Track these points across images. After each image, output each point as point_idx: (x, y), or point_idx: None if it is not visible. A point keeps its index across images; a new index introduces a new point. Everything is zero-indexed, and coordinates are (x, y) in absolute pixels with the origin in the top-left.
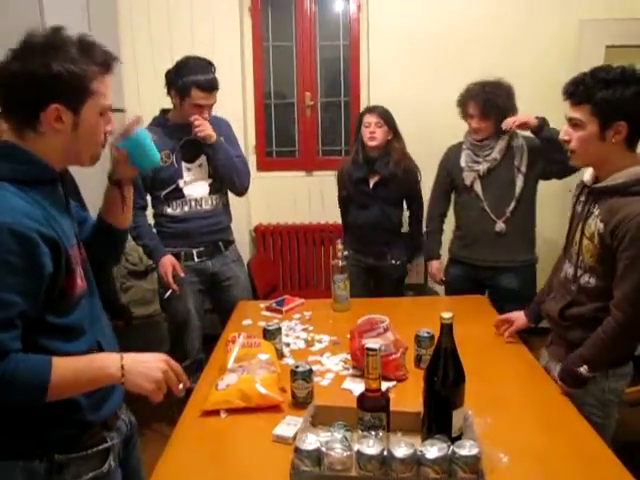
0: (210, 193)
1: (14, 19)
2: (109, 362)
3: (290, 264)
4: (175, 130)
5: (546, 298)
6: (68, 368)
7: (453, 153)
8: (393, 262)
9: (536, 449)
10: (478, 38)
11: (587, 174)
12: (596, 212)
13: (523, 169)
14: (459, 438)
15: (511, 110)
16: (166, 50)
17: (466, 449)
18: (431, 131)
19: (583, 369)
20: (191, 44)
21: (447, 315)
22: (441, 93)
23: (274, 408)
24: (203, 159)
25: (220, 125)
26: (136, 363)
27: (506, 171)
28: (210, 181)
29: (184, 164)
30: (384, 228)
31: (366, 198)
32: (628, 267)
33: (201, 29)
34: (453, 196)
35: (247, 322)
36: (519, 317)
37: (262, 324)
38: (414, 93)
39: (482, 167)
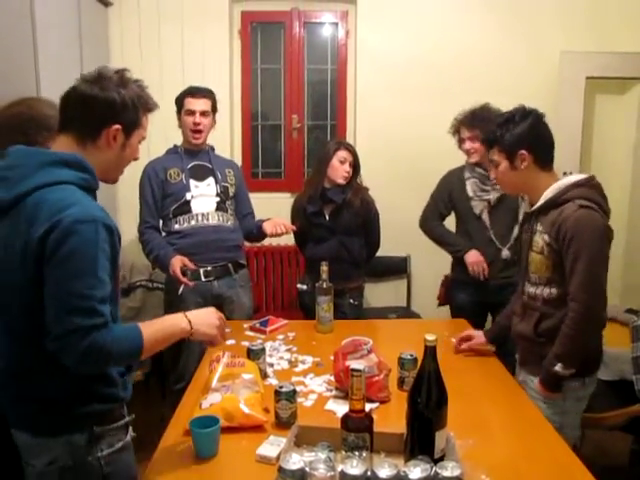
0: (217, 210)
1: (7, 47)
2: (178, 320)
3: (274, 285)
4: (185, 154)
5: (513, 322)
6: (151, 330)
7: (456, 179)
8: (351, 301)
9: (517, 470)
10: (462, 66)
11: (527, 205)
12: (540, 228)
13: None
14: (441, 459)
15: None
16: (156, 71)
17: (449, 470)
18: (415, 156)
19: (558, 367)
20: (181, 65)
21: (431, 337)
22: (425, 119)
23: (257, 428)
24: (211, 180)
25: (234, 169)
26: (197, 317)
27: (512, 198)
28: (217, 199)
29: (192, 181)
30: (344, 260)
31: (323, 231)
32: (574, 261)
33: (191, 51)
34: (456, 222)
35: (230, 342)
36: (479, 336)
37: (246, 344)
38: (399, 118)
39: (492, 196)
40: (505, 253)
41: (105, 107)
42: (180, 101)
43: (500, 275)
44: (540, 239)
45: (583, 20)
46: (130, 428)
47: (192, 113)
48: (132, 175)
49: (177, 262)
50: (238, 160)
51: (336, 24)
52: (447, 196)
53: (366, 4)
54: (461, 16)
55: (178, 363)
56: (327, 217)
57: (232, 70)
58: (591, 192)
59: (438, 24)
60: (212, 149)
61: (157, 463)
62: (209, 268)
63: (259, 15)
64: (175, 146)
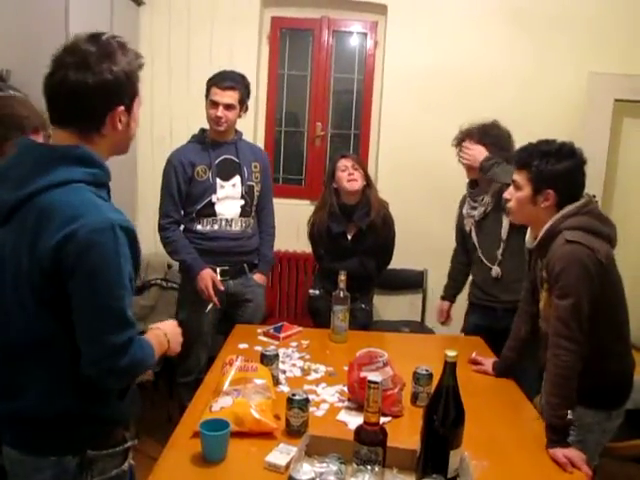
0: (241, 215)
1: (40, 37)
2: (163, 337)
3: (288, 291)
4: (212, 147)
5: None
6: (155, 346)
7: (462, 202)
8: (363, 306)
9: None
10: (490, 84)
11: (528, 241)
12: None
13: None
14: (454, 479)
15: (507, 147)
16: (183, 71)
17: None
18: (437, 170)
19: (569, 413)
20: (209, 66)
21: (452, 353)
22: (449, 135)
23: (267, 435)
24: (237, 179)
25: (260, 161)
26: (172, 335)
27: (496, 213)
28: (242, 202)
29: (218, 180)
30: (359, 277)
31: (344, 251)
32: (560, 295)
33: (219, 53)
34: None
35: (243, 346)
36: (488, 365)
37: (258, 349)
38: (423, 132)
39: (477, 212)
40: (495, 271)
41: (103, 93)
42: (207, 87)
43: (502, 298)
44: (544, 276)
45: (613, 42)
46: (130, 455)
47: (215, 105)
48: (151, 171)
49: (209, 279)
50: None
51: (365, 34)
52: (458, 222)
53: (396, 16)
54: (491, 35)
55: (187, 357)
56: (349, 238)
57: (259, 75)
58: (583, 219)
59: (467, 40)
60: (240, 138)
61: (164, 464)
62: (226, 268)
63: (289, 21)
64: (202, 131)
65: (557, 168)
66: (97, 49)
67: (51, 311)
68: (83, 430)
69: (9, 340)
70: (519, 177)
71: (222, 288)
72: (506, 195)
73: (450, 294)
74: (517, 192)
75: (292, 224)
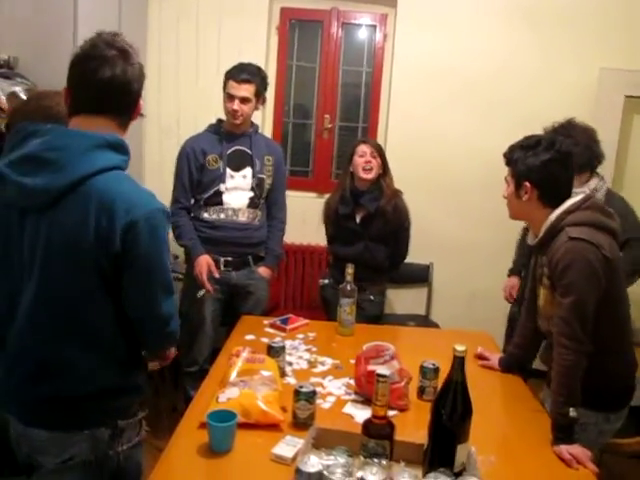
0: (248, 206)
1: (49, 25)
2: None
3: (294, 284)
4: (226, 138)
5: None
6: None
7: None
8: (371, 298)
9: None
10: (499, 80)
11: (529, 238)
12: (545, 262)
13: None
14: (460, 474)
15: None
16: (191, 62)
17: None
18: (444, 164)
19: (571, 411)
20: (217, 57)
21: (461, 348)
22: (457, 129)
23: (273, 427)
24: (248, 171)
25: (274, 156)
26: None
27: None
28: (251, 194)
29: (229, 170)
30: (366, 265)
31: (352, 234)
32: (562, 293)
33: (228, 43)
34: None
35: (250, 337)
36: (494, 360)
37: (265, 340)
38: (431, 126)
39: None
40: None
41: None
42: (224, 80)
43: None
44: (545, 275)
45: (624, 37)
46: (144, 423)
47: (232, 98)
48: (158, 160)
49: (204, 264)
50: None
51: (374, 27)
52: None
53: (406, 9)
54: (501, 30)
55: (192, 347)
56: (358, 221)
57: (267, 66)
58: (586, 214)
59: (476, 35)
60: (256, 131)
61: (170, 454)
62: (230, 259)
63: (298, 12)
64: (219, 121)
65: (532, 161)
66: (126, 43)
67: (109, 291)
68: (116, 402)
69: (59, 318)
70: (507, 174)
71: (217, 275)
72: (503, 193)
73: (517, 270)
74: (507, 189)
75: (299, 216)
